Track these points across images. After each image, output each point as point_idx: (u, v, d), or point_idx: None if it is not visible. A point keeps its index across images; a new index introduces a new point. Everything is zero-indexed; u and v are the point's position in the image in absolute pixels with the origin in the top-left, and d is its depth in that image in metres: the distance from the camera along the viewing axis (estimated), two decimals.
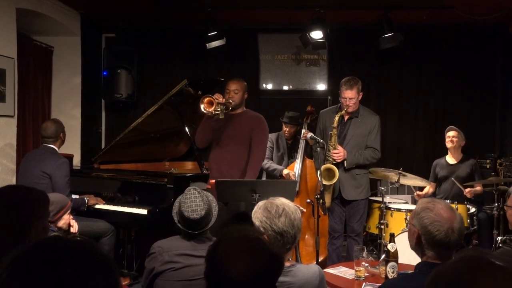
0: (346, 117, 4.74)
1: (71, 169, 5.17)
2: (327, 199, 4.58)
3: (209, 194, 2.97)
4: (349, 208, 4.79)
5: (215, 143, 4.54)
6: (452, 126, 5.82)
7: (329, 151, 4.61)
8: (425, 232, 2.14)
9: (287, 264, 2.36)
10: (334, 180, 4.56)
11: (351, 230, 4.82)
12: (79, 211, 4.47)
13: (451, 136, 5.75)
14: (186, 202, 2.77)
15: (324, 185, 4.41)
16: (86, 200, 4.64)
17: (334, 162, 4.59)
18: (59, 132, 4.56)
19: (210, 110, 4.17)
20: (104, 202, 4.80)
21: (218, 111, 4.21)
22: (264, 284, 1.60)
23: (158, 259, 2.70)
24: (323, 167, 4.53)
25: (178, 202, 2.84)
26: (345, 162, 4.63)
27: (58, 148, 4.57)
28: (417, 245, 2.21)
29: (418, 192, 5.89)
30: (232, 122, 4.49)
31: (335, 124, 4.61)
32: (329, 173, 4.51)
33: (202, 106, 4.18)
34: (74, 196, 4.56)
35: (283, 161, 5.60)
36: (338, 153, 4.59)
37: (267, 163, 5.39)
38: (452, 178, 5.63)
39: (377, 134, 4.76)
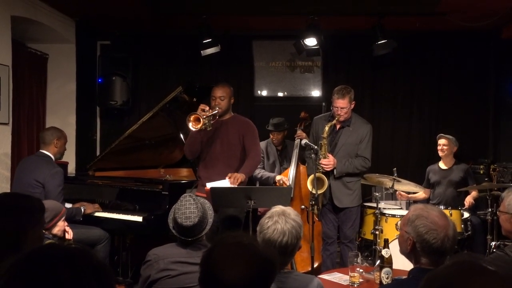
0: (338, 126, 4.74)
1: (66, 176, 5.16)
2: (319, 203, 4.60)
3: (206, 201, 2.97)
4: (341, 214, 4.79)
5: (205, 151, 4.52)
6: (442, 134, 5.84)
7: (320, 160, 4.60)
8: (421, 240, 2.15)
9: (282, 270, 2.37)
10: (323, 189, 4.56)
11: (344, 236, 4.81)
12: (73, 220, 4.44)
13: (441, 144, 5.79)
14: (181, 209, 2.78)
15: (313, 193, 4.41)
16: (83, 210, 4.61)
17: (323, 171, 4.58)
18: (51, 139, 4.54)
19: (198, 127, 4.15)
20: (101, 209, 4.79)
21: (206, 124, 4.20)
22: None
23: (154, 266, 2.70)
24: (310, 176, 4.53)
25: (173, 208, 2.85)
26: (334, 170, 4.63)
27: (55, 155, 4.56)
28: (411, 252, 2.22)
29: (401, 192, 5.84)
30: (221, 129, 4.48)
31: (325, 135, 4.60)
32: (318, 182, 4.48)
33: (190, 125, 4.14)
34: (67, 205, 4.54)
35: (275, 169, 5.60)
36: (328, 162, 4.59)
37: (260, 172, 5.38)
38: None
39: (368, 143, 4.75)
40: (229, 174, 4.19)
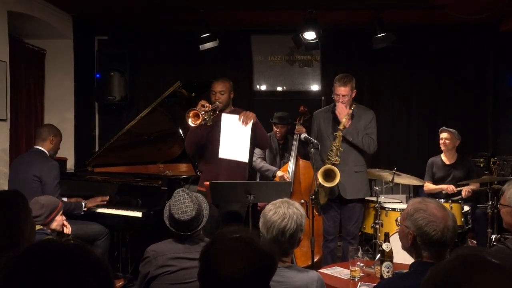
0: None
1: (65, 172, 5.16)
2: (322, 198, 4.51)
3: (199, 194, 2.97)
4: (345, 210, 4.65)
5: (206, 146, 4.51)
6: (445, 128, 5.77)
7: (332, 151, 4.42)
8: (421, 233, 2.14)
9: (283, 264, 2.36)
10: (335, 182, 4.33)
11: (347, 233, 4.68)
12: (73, 215, 4.43)
13: (443, 138, 5.70)
14: (176, 205, 2.77)
15: (322, 186, 4.31)
16: (84, 204, 4.59)
17: (336, 163, 4.39)
18: (47, 135, 4.55)
19: (197, 122, 4.14)
20: (105, 202, 4.74)
21: (205, 119, 4.18)
22: (258, 284, 1.60)
23: (153, 263, 2.70)
24: (322, 168, 4.37)
25: (168, 206, 2.84)
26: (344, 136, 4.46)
27: (49, 152, 4.55)
28: (412, 246, 2.21)
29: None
30: (220, 124, 4.46)
31: (341, 127, 4.41)
32: (330, 174, 4.31)
33: (189, 121, 4.12)
34: (63, 199, 4.53)
35: (275, 162, 5.59)
36: (342, 110, 4.43)
37: (260, 163, 5.37)
38: None
39: (374, 127, 4.62)
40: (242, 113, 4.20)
